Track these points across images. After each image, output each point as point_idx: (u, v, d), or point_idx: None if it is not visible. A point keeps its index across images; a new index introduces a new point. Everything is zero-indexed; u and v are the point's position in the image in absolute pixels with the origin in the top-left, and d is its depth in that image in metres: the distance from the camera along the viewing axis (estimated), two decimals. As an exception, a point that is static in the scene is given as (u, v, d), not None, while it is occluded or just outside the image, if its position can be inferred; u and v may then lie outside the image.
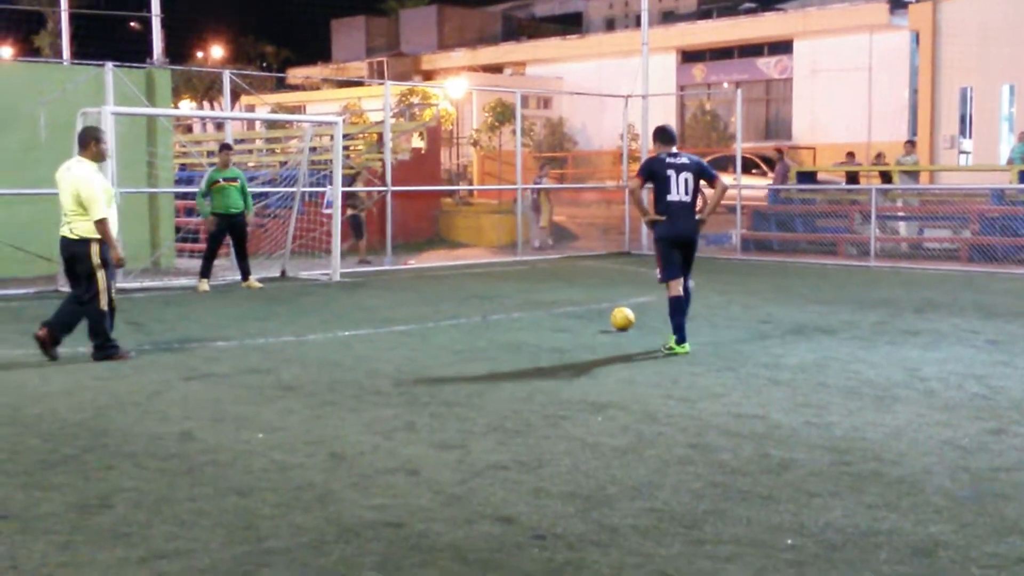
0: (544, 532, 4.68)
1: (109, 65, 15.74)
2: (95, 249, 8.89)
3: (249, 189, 15.17)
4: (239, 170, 15.68)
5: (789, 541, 4.55)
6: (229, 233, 14.79)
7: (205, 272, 14.64)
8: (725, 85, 37.55)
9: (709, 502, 5.10)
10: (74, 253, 8.97)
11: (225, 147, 15.30)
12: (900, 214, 21.16)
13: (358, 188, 19.54)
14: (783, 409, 7.06)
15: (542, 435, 6.42)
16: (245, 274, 14.94)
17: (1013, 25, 25.68)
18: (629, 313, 10.65)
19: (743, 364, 8.68)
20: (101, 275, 8.97)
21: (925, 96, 27.58)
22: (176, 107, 30.24)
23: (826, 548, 4.47)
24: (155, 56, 18.95)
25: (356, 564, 4.32)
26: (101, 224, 8.85)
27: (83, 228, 8.89)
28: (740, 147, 22.21)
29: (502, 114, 34.37)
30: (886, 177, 23.12)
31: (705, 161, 9.69)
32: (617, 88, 25.54)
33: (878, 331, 10.45)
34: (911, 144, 25.90)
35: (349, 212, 19.01)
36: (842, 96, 33.66)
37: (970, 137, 27.49)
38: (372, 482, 5.47)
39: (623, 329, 10.47)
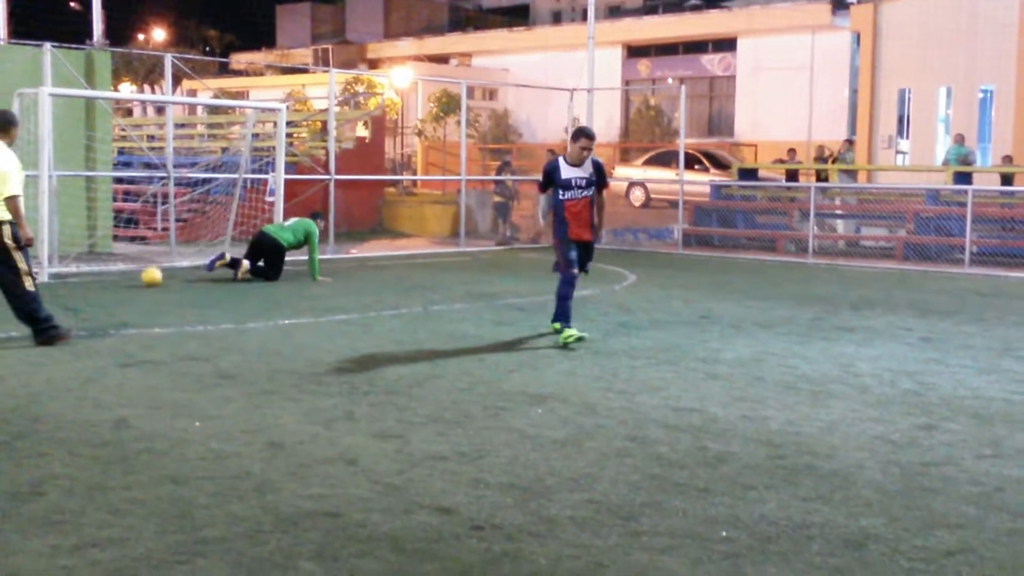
0: (482, 523, 4.69)
1: (47, 46, 15.44)
2: (7, 231, 8.71)
3: (189, 175, 14.97)
4: None
5: (724, 533, 4.61)
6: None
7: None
8: (670, 81, 37.80)
9: (646, 494, 5.15)
10: None
11: None
12: (838, 212, 21.46)
13: (505, 177, 21.63)
14: (720, 403, 7.14)
15: (482, 426, 6.43)
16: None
17: (952, 28, 26.15)
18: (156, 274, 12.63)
19: (682, 358, 8.76)
20: (19, 256, 8.80)
21: (864, 96, 28.00)
22: (116, 90, 29.76)
23: (760, 540, 4.54)
24: (95, 38, 18.64)
25: (293, 554, 4.30)
26: (13, 202, 8.68)
27: None
28: (683, 143, 22.38)
29: (447, 105, 34.29)
30: (823, 175, 23.46)
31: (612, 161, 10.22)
32: (563, 81, 25.60)
33: (814, 327, 10.60)
34: (848, 143, 26.27)
35: (496, 199, 21.83)
36: (784, 94, 34.06)
37: (907, 138, 27.96)
38: (310, 472, 5.44)
39: (150, 286, 12.40)
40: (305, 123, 26.45)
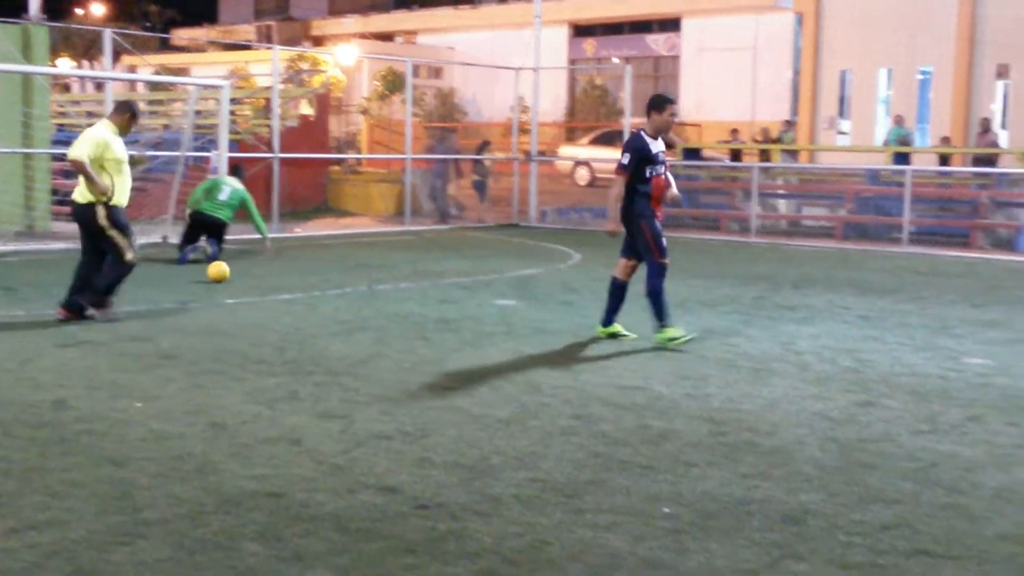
0: (427, 502, 4.70)
1: (-19, 20, 15.09)
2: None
3: (130, 152, 14.70)
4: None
5: (666, 510, 4.66)
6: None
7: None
8: (615, 60, 37.87)
9: (590, 472, 5.19)
10: None
11: None
12: (780, 192, 21.68)
13: (484, 157, 22.24)
14: (664, 381, 7.20)
15: (427, 405, 6.43)
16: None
17: (892, 11, 26.47)
18: (224, 268, 11.74)
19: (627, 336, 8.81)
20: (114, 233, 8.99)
21: (807, 77, 28.29)
22: (54, 65, 29.17)
23: (702, 516, 4.60)
24: (32, 12, 18.21)
25: (236, 534, 4.28)
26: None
27: None
28: (629, 122, 22.44)
29: (393, 83, 34.07)
30: (765, 156, 23.69)
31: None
32: (509, 60, 25.54)
33: (757, 306, 10.72)
34: (789, 124, 26.53)
35: (475, 178, 22.19)
36: (728, 75, 34.27)
37: (848, 118, 28.30)
38: (253, 452, 5.41)
39: (218, 281, 11.50)
40: (248, 101, 26.15)
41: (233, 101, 21.46)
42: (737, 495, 4.88)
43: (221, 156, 16.08)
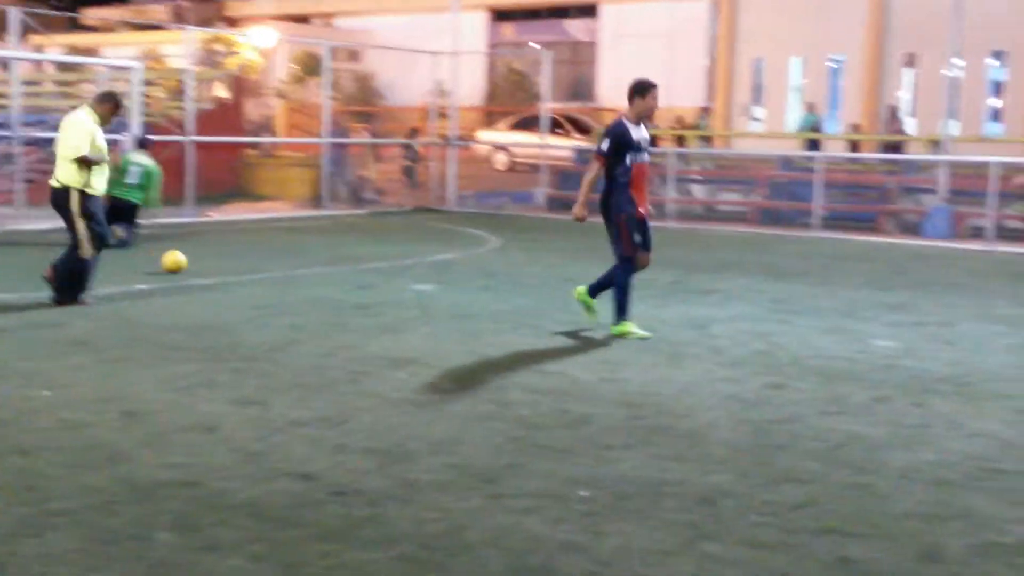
0: (344, 488, 4.68)
1: None
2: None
3: (38, 135, 14.38)
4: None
5: (584, 493, 4.71)
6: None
7: None
8: (533, 45, 37.91)
9: (509, 456, 5.21)
10: None
11: None
12: (696, 177, 21.93)
13: (413, 141, 22.22)
14: (582, 366, 7.26)
15: (344, 391, 6.40)
16: None
17: (807, 1, 26.90)
18: (180, 257, 11.22)
19: (545, 321, 8.86)
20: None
21: (722, 65, 28.64)
22: (-44, 44, 28.24)
23: (618, 498, 4.65)
24: (-69, -12, 17.62)
25: (149, 524, 4.22)
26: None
27: None
28: (547, 107, 22.50)
29: (310, 66, 33.67)
30: (681, 141, 23.95)
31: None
32: (427, 44, 25.41)
33: (672, 290, 10.85)
34: (704, 110, 26.85)
35: (405, 163, 22.37)
36: (645, 61, 34.43)
37: (762, 105, 28.73)
38: (167, 440, 5.34)
39: (173, 272, 11.02)
40: (161, 82, 25.63)
41: (145, 83, 21.02)
42: (653, 477, 4.95)
43: (133, 138, 15.75)
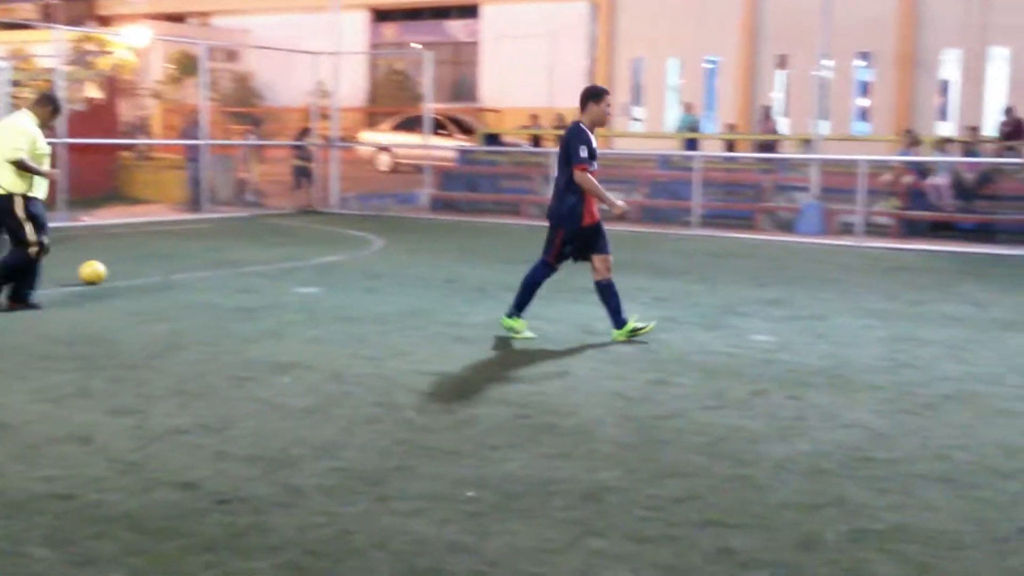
0: (226, 496, 4.60)
1: None
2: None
3: None
4: None
5: (471, 493, 4.72)
6: None
7: None
8: (415, 46, 37.81)
9: (395, 459, 5.19)
10: None
11: None
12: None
13: (306, 142, 21.50)
14: (467, 366, 7.27)
15: (226, 397, 6.29)
16: None
17: (682, 2, 27.42)
18: (99, 267, 10.70)
19: (430, 323, 8.85)
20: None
21: (602, 65, 29.01)
22: None
23: (505, 498, 4.67)
24: None
25: (22, 539, 4.08)
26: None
27: None
28: (429, 108, 22.47)
29: (186, 66, 32.97)
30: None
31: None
32: (308, 44, 25.13)
33: (557, 289, 10.89)
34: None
35: (297, 163, 21.68)
36: (526, 61, 34.75)
37: (642, 105, 29.18)
38: (40, 452, 5.16)
39: (92, 283, 10.52)
40: (30, 83, 24.76)
41: (13, 84, 20.29)
42: (539, 476, 4.99)
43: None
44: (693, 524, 4.43)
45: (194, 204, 20.12)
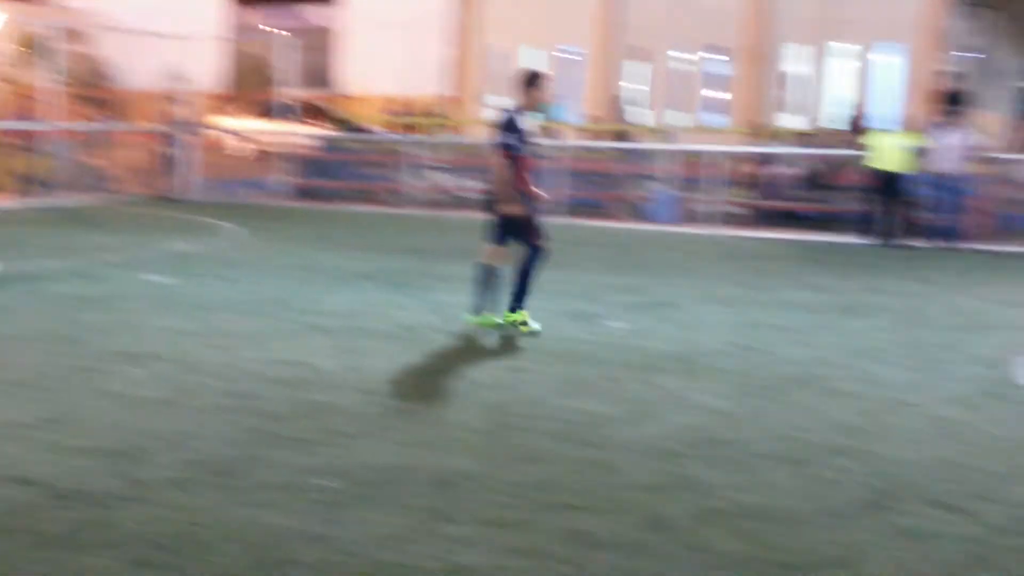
0: (68, 491, 4.46)
1: None
2: None
3: None
4: None
5: (324, 482, 4.68)
6: None
7: None
8: (274, 31, 37.10)
9: (246, 449, 5.11)
10: None
11: None
12: (437, 165, 22.13)
13: (165, 128, 20.91)
14: (323, 354, 7.20)
15: (71, 389, 6.09)
16: None
17: (542, -8, 27.64)
18: None
19: (285, 311, 8.73)
20: None
21: (463, 54, 29.03)
22: None
23: (359, 486, 4.66)
24: None
25: None
26: None
27: None
28: (290, 94, 22.11)
29: (32, 47, 31.62)
30: (423, 129, 24.15)
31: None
32: (164, 27, 24.42)
33: (414, 276, 10.92)
34: (445, 98, 27.18)
35: (166, 150, 21.11)
36: (388, 49, 34.46)
37: (503, 95, 29.30)
38: None
39: None
40: None
41: None
42: (393, 463, 4.98)
43: None
44: (546, 508, 4.50)
45: (38, 189, 19.35)
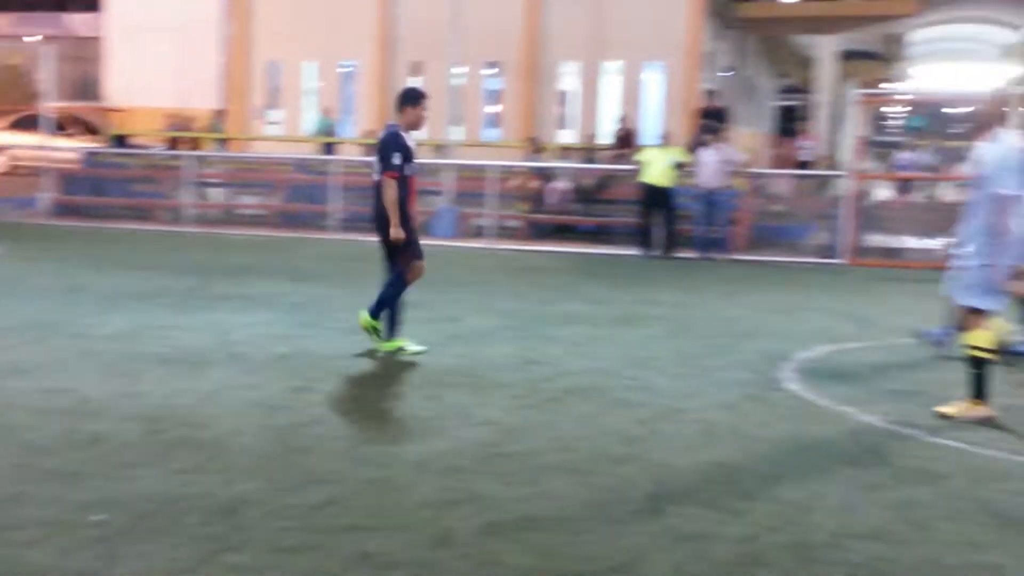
0: None
1: None
2: None
3: None
4: None
5: (97, 517, 4.47)
6: None
7: None
8: (31, 39, 35.23)
9: (10, 485, 4.83)
10: None
11: None
12: (214, 181, 21.58)
13: None
14: (95, 381, 6.88)
15: None
16: None
17: (318, 5, 27.37)
18: None
19: (52, 336, 8.29)
20: None
21: (238, 66, 28.38)
22: None
23: (136, 518, 4.48)
24: None
25: None
26: None
27: None
28: (50, 106, 21.03)
29: None
30: (197, 144, 23.48)
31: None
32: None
33: (191, 297, 10.59)
34: (218, 112, 26.55)
35: None
36: (157, 59, 33.30)
37: (280, 108, 28.85)
38: None
39: None
40: None
41: None
42: (172, 493, 4.82)
43: None
44: (333, 530, 4.45)
45: None
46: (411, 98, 8.09)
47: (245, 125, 27.72)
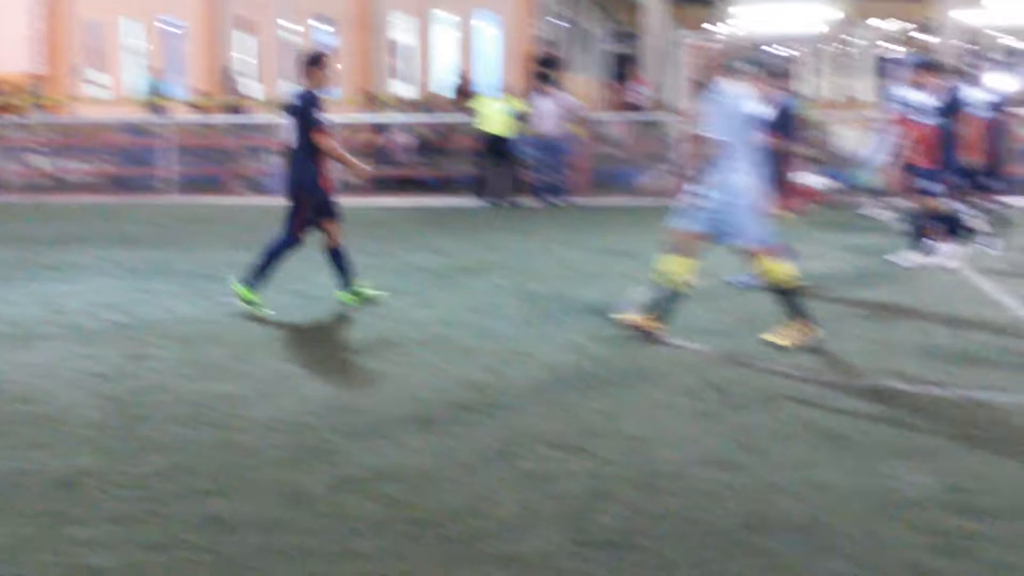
0: None
1: None
2: None
3: None
4: None
5: (-75, 500, 4.29)
6: None
7: None
8: None
9: None
10: None
11: None
12: (37, 147, 20.60)
13: None
14: (-86, 361, 6.55)
15: None
16: None
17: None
18: None
19: None
20: None
21: (54, 27, 27.10)
22: None
23: (-33, 500, 4.31)
24: None
25: None
26: None
27: None
28: None
29: None
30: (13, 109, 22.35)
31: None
32: None
33: (17, 267, 10.14)
34: (38, 76, 25.33)
35: None
36: (-35, 21, 31.48)
37: (105, 71, 27.71)
38: None
39: None
40: None
41: None
42: (7, 468, 4.67)
43: None
44: (178, 497, 4.38)
45: None
46: (316, 60, 8.21)
47: (67, 88, 26.52)
